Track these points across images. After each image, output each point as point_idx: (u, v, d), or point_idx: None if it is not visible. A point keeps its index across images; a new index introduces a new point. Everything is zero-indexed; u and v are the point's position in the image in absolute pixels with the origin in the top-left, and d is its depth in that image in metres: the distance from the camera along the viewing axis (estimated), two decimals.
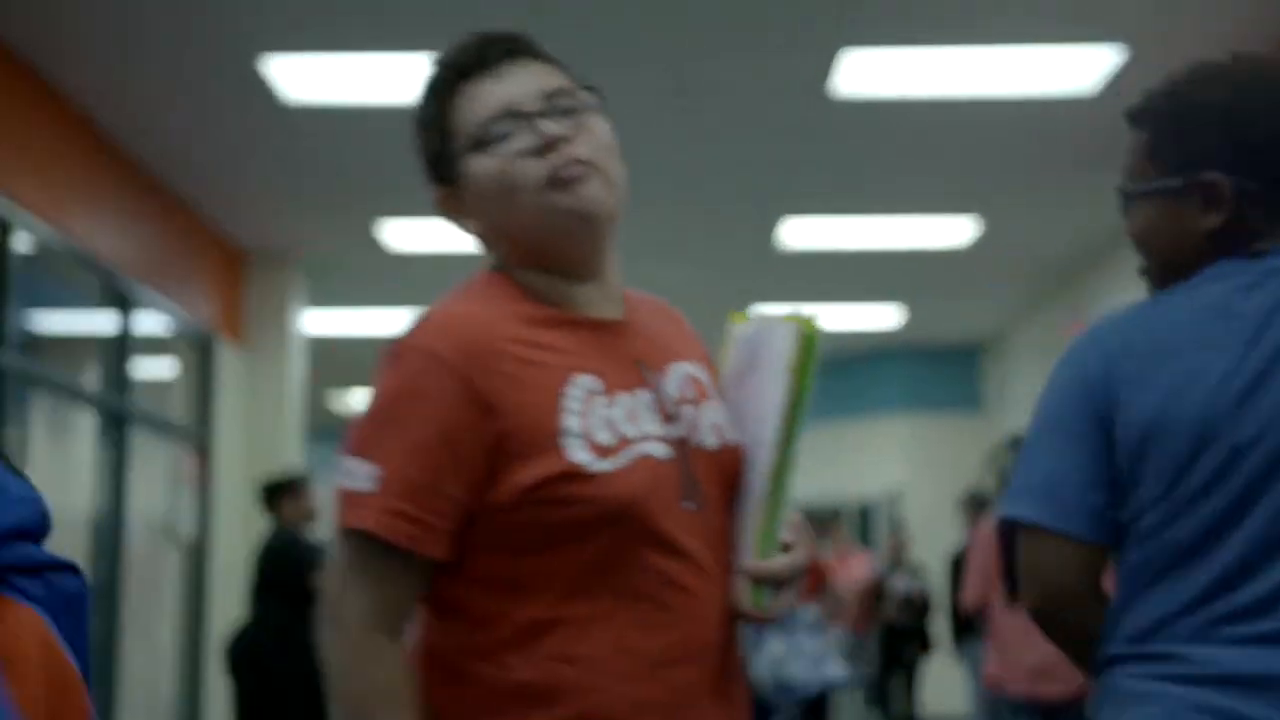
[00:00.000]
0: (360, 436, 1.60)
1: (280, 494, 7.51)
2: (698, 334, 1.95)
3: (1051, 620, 1.87)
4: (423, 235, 9.69)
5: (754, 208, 9.25)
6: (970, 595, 6.50)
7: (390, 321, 12.55)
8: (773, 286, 11.39)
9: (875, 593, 10.74)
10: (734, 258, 10.57)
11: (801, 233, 9.70)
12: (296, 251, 10.17)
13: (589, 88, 1.75)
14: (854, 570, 10.57)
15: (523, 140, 1.69)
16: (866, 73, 6.83)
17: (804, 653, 6.88)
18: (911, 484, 13.28)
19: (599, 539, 1.58)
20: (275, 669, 6.90)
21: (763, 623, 1.73)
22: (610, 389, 1.66)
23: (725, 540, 1.69)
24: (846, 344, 13.70)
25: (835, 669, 7.14)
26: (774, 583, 1.68)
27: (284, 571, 7.08)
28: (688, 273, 10.95)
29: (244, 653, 7.17)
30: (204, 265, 9.44)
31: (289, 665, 6.74)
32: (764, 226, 9.60)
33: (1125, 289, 9.70)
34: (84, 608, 1.34)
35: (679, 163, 8.39)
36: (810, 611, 7.10)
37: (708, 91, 7.14)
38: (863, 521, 13.93)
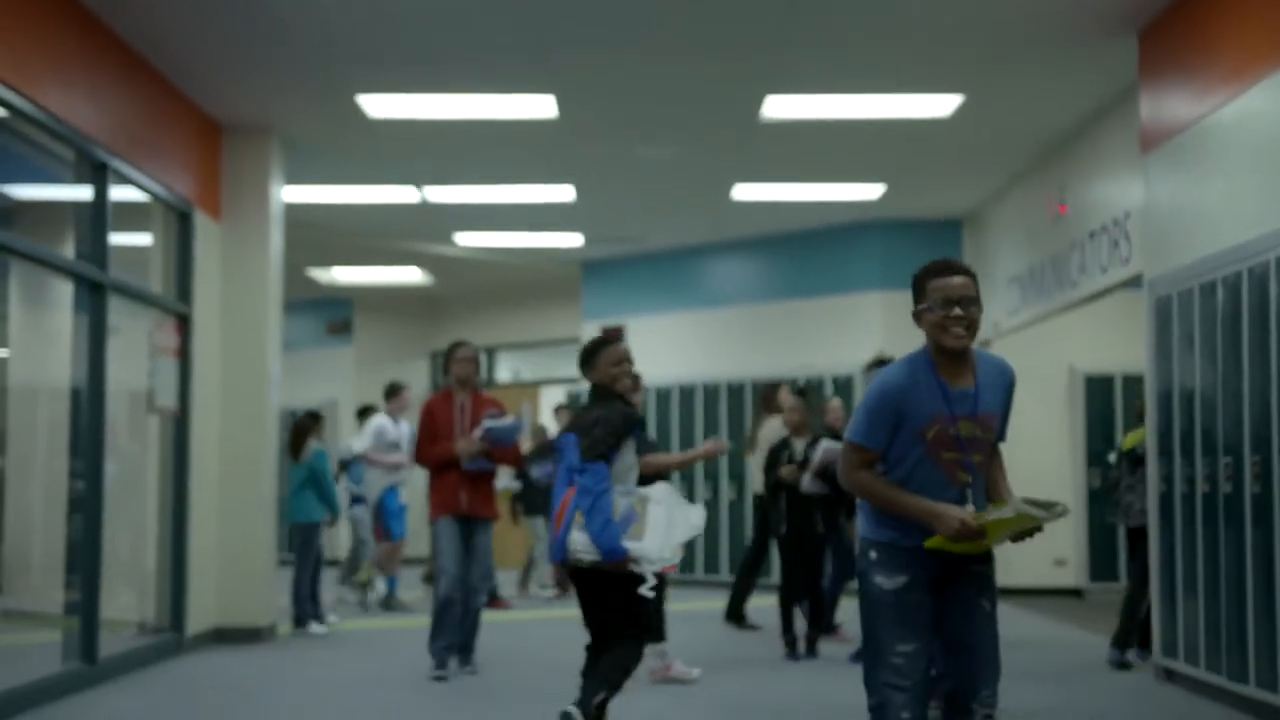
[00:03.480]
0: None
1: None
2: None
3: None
4: (402, 108, 9.58)
5: (738, 85, 9.18)
6: None
7: (369, 196, 12.46)
8: (757, 163, 11.34)
9: None
10: (719, 135, 10.49)
11: (785, 109, 9.63)
12: (274, 124, 10.06)
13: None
14: None
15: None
16: None
17: None
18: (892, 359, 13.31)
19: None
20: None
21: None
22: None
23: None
24: (827, 217, 13.68)
25: None
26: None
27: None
28: (675, 150, 10.88)
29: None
30: (180, 138, 9.33)
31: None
32: (748, 104, 9.53)
33: (1104, 166, 9.69)
34: None
35: (665, 41, 8.30)
36: None
37: None
38: (842, 396, 14.01)
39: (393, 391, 12.13)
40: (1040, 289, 11.18)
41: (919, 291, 4.11)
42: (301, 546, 10.50)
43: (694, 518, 5.44)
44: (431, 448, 8.13)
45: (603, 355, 5.66)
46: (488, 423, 8.03)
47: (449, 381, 8.27)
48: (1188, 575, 7.33)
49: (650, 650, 7.70)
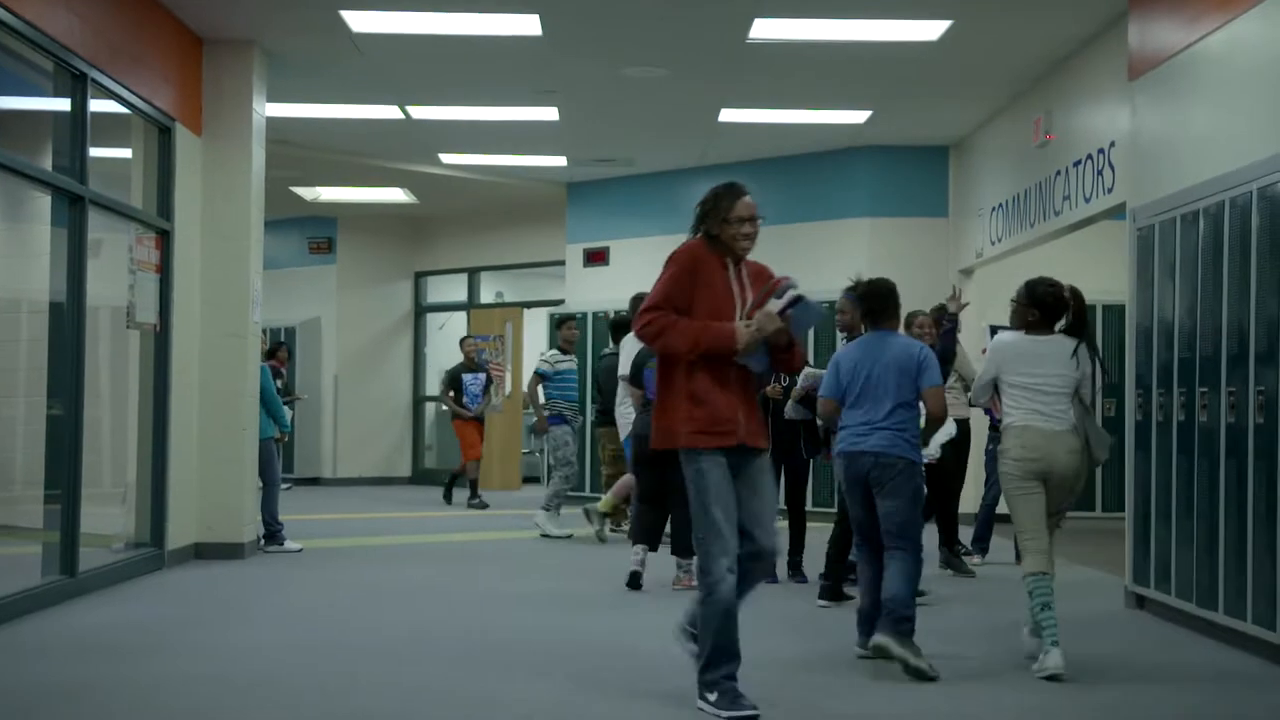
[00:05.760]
0: None
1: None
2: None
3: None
4: (386, 24, 9.48)
5: (726, 7, 9.09)
6: None
7: (353, 113, 12.35)
8: (744, 86, 11.27)
9: None
10: (706, 58, 10.40)
11: (773, 32, 9.55)
12: (257, 38, 9.94)
13: None
14: None
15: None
16: None
17: None
18: None
19: None
20: None
21: None
22: None
23: None
24: (814, 142, 13.62)
25: None
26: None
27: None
28: (661, 72, 10.79)
29: None
30: (161, 50, 9.22)
31: None
32: (736, 26, 9.44)
33: (1090, 94, 9.65)
34: None
35: None
36: None
37: None
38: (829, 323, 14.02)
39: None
40: (1023, 217, 11.17)
41: (896, 306, 6.43)
42: (263, 465, 10.50)
43: (949, 426, 8.04)
44: (703, 319, 5.11)
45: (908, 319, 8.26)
46: (794, 290, 5.10)
47: (701, 240, 5.37)
48: (1161, 503, 7.40)
49: (680, 563, 8.36)
